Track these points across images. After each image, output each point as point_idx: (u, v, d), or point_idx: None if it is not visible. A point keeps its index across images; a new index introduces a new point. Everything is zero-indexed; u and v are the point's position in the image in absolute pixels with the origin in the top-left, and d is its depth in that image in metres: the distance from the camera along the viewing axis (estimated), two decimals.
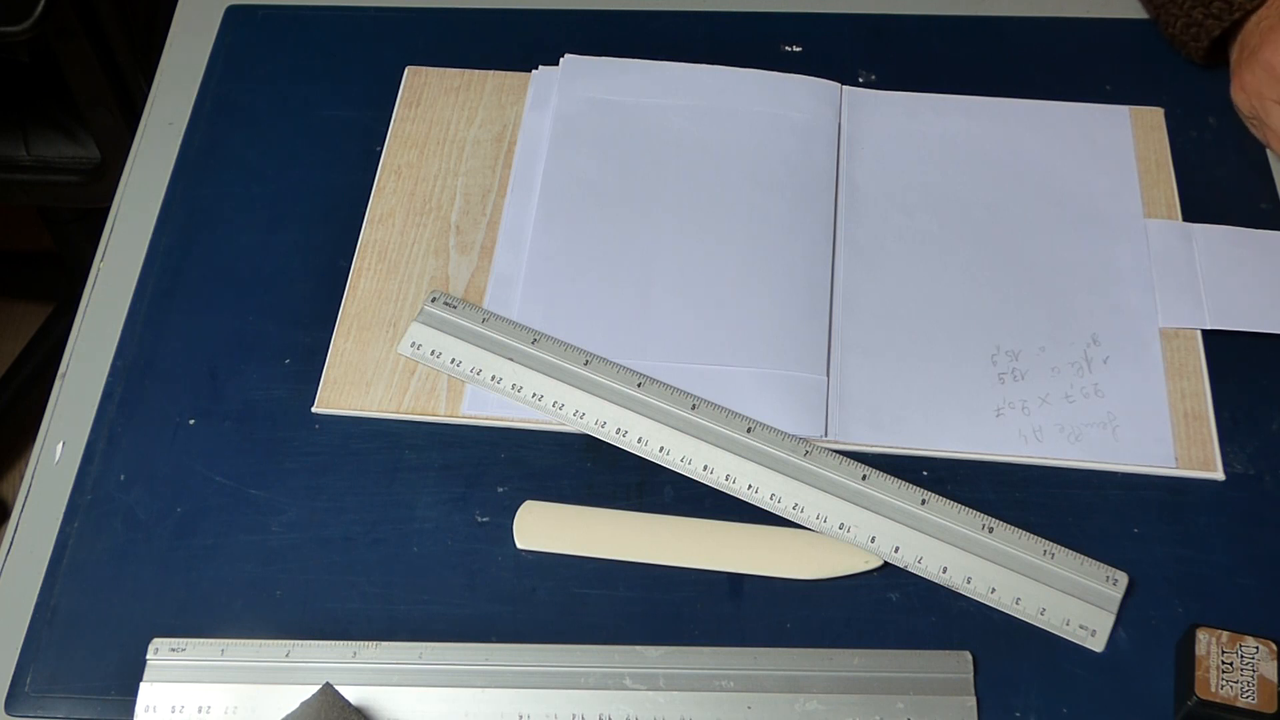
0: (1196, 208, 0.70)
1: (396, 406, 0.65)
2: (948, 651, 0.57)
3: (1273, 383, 0.65)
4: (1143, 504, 0.61)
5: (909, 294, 0.68)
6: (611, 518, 0.61)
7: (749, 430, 0.63)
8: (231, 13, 0.82)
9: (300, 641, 0.58)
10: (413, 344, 0.66)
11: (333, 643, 0.58)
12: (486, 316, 0.67)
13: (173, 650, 0.58)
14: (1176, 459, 0.62)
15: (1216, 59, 0.75)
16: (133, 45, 1.09)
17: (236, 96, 0.78)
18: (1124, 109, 0.74)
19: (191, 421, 0.65)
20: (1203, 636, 0.55)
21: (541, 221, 0.70)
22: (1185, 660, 0.55)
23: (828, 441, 0.63)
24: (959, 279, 0.68)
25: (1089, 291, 0.67)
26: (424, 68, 0.78)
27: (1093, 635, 0.57)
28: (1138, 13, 0.79)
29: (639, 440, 0.63)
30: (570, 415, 0.63)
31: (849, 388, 0.65)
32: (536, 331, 0.66)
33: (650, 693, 0.56)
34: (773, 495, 0.61)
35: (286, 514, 0.62)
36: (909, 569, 0.59)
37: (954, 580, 0.59)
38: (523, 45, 0.79)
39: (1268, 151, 0.72)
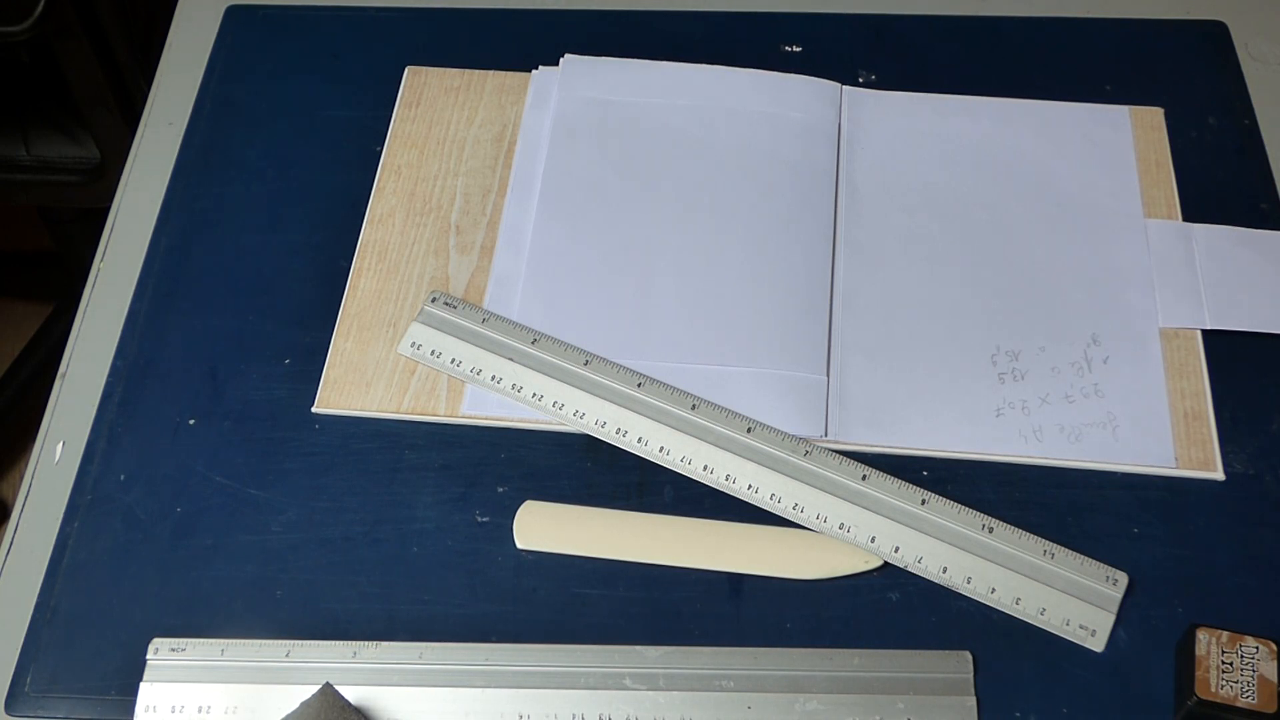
0: (1196, 208, 0.70)
1: (396, 406, 0.65)
2: (948, 651, 0.57)
3: (1273, 383, 0.65)
4: (1143, 504, 0.61)
5: (909, 294, 0.68)
6: (611, 518, 0.61)
7: (749, 430, 0.63)
8: (231, 13, 0.82)
9: (300, 641, 0.58)
10: (413, 344, 0.66)
11: (333, 643, 0.58)
12: (486, 316, 0.67)
13: (173, 650, 0.58)
14: (1176, 459, 0.62)
15: None
16: (133, 45, 1.09)
17: (236, 96, 0.78)
18: (1124, 109, 0.74)
19: (191, 421, 0.65)
20: (1203, 636, 0.55)
21: (541, 221, 0.70)
22: (1185, 660, 0.55)
23: (828, 441, 0.63)
24: (959, 279, 0.68)
25: (1089, 291, 0.67)
26: (424, 68, 0.78)
27: (1093, 635, 0.57)
28: (1138, 12, 0.79)
29: (639, 440, 0.63)
30: (570, 415, 0.63)
31: (849, 388, 0.65)
32: (536, 331, 0.66)
33: (650, 693, 0.56)
34: (773, 495, 0.61)
35: (286, 514, 0.62)
36: (909, 569, 0.59)
37: (954, 580, 0.59)
38: (523, 45, 0.79)
39: (1268, 151, 0.72)
